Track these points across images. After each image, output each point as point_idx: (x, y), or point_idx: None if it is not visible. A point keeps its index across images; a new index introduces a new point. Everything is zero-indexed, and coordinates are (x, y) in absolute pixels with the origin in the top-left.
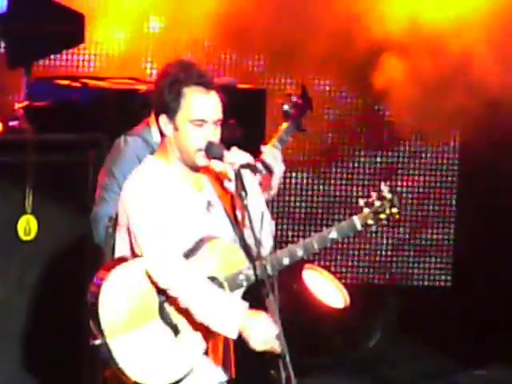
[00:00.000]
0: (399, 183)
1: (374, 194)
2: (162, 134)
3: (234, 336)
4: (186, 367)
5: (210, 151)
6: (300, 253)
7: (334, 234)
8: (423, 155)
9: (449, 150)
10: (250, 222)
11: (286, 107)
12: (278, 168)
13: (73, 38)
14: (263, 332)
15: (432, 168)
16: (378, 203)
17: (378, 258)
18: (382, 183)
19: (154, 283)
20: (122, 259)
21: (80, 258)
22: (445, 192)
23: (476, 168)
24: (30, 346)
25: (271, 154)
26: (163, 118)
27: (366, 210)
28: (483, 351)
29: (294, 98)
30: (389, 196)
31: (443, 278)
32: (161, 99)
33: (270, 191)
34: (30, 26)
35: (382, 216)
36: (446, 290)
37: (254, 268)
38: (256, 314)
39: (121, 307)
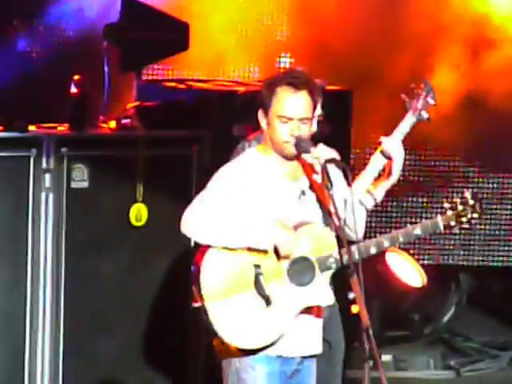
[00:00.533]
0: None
1: (458, 199)
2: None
3: (268, 247)
4: (275, 334)
5: (299, 146)
6: (386, 244)
7: (418, 230)
8: None
9: None
10: (336, 210)
11: (406, 98)
12: (398, 156)
13: (179, 45)
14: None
15: None
16: (461, 207)
17: (452, 242)
18: (467, 190)
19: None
20: None
21: (184, 240)
22: None
23: None
24: (139, 320)
25: (391, 143)
26: (260, 113)
27: (450, 213)
28: None
29: (416, 90)
30: (471, 202)
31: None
32: (260, 96)
33: (390, 177)
34: (140, 33)
35: (464, 219)
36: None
37: (348, 253)
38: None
39: (220, 275)
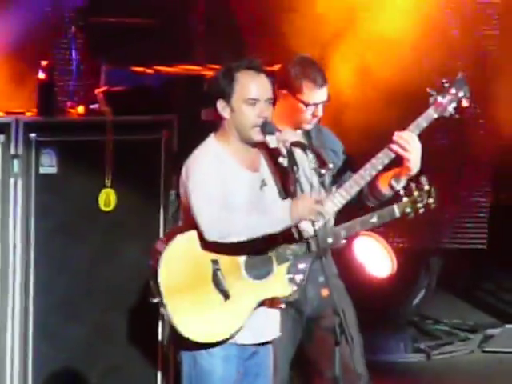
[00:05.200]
0: None
1: (412, 185)
2: (220, 117)
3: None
4: (233, 328)
5: (265, 128)
6: (343, 233)
7: (374, 219)
8: None
9: None
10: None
11: (431, 92)
12: (414, 150)
13: (148, 31)
14: (306, 204)
15: None
16: (416, 193)
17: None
18: (422, 176)
19: (209, 244)
20: (183, 227)
21: (152, 226)
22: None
23: None
24: (109, 305)
25: (406, 137)
26: (221, 103)
27: (405, 199)
28: None
29: (446, 85)
30: (426, 187)
31: (479, 240)
32: (217, 86)
33: (409, 172)
34: (108, 18)
35: (420, 205)
36: (480, 251)
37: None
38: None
39: (178, 271)
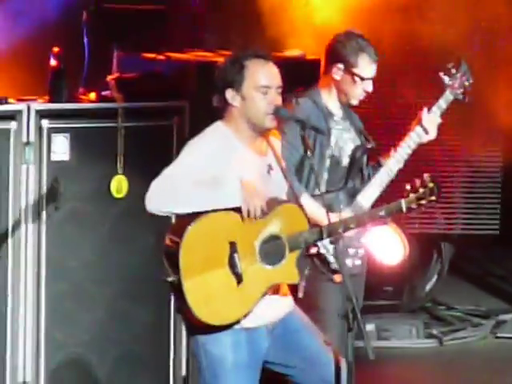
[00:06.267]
0: None
1: (417, 182)
2: (227, 105)
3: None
4: (242, 312)
5: (279, 114)
6: (353, 225)
7: (382, 212)
8: None
9: None
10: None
11: (443, 76)
12: (433, 131)
13: (161, 18)
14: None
15: None
16: (421, 190)
17: (432, 210)
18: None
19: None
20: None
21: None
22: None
23: None
24: (121, 291)
25: (429, 118)
26: (230, 91)
27: (412, 195)
28: None
29: (453, 70)
30: (430, 185)
31: (491, 226)
32: (225, 75)
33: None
34: (120, 4)
35: (423, 202)
36: (493, 237)
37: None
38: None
39: (199, 252)
